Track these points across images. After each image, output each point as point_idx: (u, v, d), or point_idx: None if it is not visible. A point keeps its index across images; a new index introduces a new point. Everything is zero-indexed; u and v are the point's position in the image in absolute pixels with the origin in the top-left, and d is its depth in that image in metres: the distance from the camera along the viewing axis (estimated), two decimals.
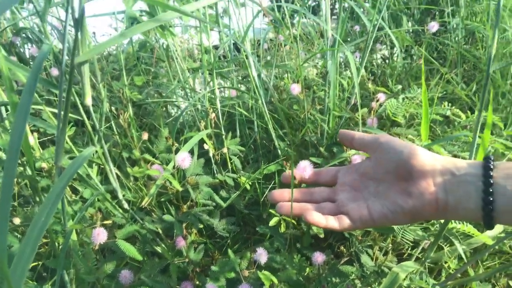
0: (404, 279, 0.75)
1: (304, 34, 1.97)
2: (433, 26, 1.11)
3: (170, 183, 0.75)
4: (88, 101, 0.58)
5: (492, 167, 0.40)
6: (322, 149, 0.99)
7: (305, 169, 0.57)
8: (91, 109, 0.59)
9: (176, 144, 0.74)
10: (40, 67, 0.43)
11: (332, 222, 0.46)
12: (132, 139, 0.86)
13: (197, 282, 0.77)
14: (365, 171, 0.50)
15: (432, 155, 0.44)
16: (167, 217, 0.76)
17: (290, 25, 1.43)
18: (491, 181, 0.39)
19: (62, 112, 0.56)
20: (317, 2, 2.72)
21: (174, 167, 0.73)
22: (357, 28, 1.66)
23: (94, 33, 1.51)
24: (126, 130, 0.78)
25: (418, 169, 0.43)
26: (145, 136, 0.79)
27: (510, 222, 0.41)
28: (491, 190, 0.39)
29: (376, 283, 0.78)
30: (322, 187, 0.54)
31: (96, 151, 0.75)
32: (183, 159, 0.71)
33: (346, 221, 0.46)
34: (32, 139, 0.84)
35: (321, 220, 0.46)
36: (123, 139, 1.09)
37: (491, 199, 0.39)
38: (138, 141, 0.83)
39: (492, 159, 0.41)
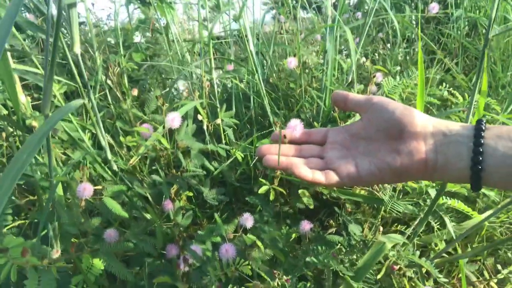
0: (391, 250, 0.75)
1: (306, 30, 1.97)
2: (434, 7, 1.10)
3: (160, 143, 0.74)
4: (77, 49, 0.57)
5: (484, 128, 0.39)
6: (317, 125, 0.98)
7: (295, 127, 0.55)
8: (80, 58, 0.59)
9: (167, 104, 0.73)
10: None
11: (319, 176, 0.46)
12: (123, 94, 0.84)
13: (183, 249, 0.76)
14: (356, 132, 0.49)
15: (425, 116, 0.43)
16: (155, 177, 0.75)
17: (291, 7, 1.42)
18: (482, 141, 0.38)
19: (49, 59, 0.56)
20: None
21: (163, 128, 0.73)
22: (358, 15, 1.65)
23: (93, 4, 1.50)
24: (116, 85, 0.77)
25: (409, 129, 0.42)
26: (135, 92, 0.78)
27: (497, 184, 0.41)
28: (481, 150, 0.38)
29: (363, 254, 0.77)
30: (311, 145, 0.53)
31: (87, 113, 0.74)
32: (173, 118, 0.71)
33: (333, 177, 0.46)
34: (24, 98, 0.83)
35: (308, 173, 0.46)
36: (117, 109, 1.08)
37: (480, 158, 0.38)
38: (128, 95, 0.82)
39: (484, 121, 0.40)
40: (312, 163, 0.49)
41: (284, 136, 0.54)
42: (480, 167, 0.38)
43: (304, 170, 0.46)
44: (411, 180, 0.47)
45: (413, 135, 0.42)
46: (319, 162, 0.49)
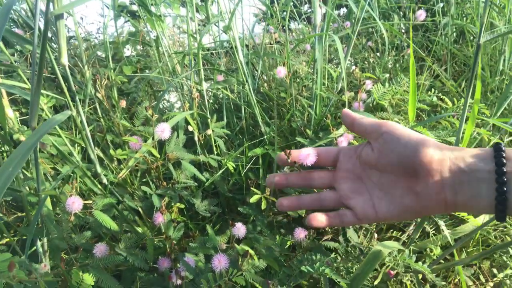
0: (388, 256, 0.74)
1: (296, 40, 1.99)
2: (421, 14, 1.11)
3: (152, 155, 0.74)
4: (64, 60, 0.57)
5: (504, 161, 0.37)
6: (309, 132, 0.98)
7: (308, 156, 0.53)
8: (68, 69, 0.58)
9: (156, 115, 0.73)
10: (11, 6, 0.43)
11: (335, 221, 0.45)
12: (112, 107, 0.84)
13: (176, 262, 0.75)
14: (367, 159, 0.46)
15: (439, 149, 0.40)
16: (144, 188, 0.74)
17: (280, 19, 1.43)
18: (505, 179, 0.36)
19: (36, 70, 0.55)
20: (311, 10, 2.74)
21: (153, 139, 0.72)
22: (347, 24, 1.67)
23: (82, 18, 1.50)
24: (103, 98, 0.76)
25: (425, 166, 0.39)
26: (123, 103, 0.78)
27: None
28: (505, 189, 0.36)
29: (358, 262, 0.76)
30: (321, 171, 0.51)
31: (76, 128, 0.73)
32: (163, 130, 0.70)
33: (349, 218, 0.45)
34: (11, 112, 0.82)
35: (323, 222, 0.45)
36: (107, 122, 1.07)
37: (505, 197, 0.36)
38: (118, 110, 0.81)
39: (503, 149, 0.37)
40: (325, 200, 0.48)
41: (295, 163, 0.52)
42: (505, 206, 0.36)
43: (320, 218, 0.46)
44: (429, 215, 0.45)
45: (430, 174, 0.39)
46: (333, 197, 0.47)
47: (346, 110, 0.49)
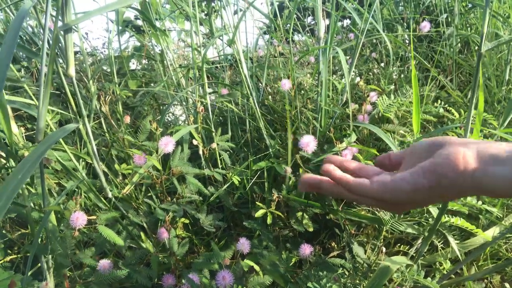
0: (395, 271, 0.72)
1: (299, 52, 1.99)
2: (425, 26, 1.11)
3: (156, 169, 0.73)
4: (72, 71, 0.57)
5: None
6: None
7: (308, 144, 0.51)
8: (75, 81, 0.58)
9: (160, 129, 0.72)
10: (22, 20, 0.43)
11: (347, 176, 0.42)
12: (117, 121, 0.83)
13: (180, 278, 0.74)
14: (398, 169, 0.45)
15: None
16: (149, 201, 0.73)
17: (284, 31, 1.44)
18: None
19: (43, 83, 0.55)
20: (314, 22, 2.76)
21: (157, 152, 0.72)
22: (351, 35, 1.67)
23: (87, 33, 1.52)
24: (107, 113, 0.76)
25: (449, 140, 0.39)
26: (127, 119, 0.78)
27: None
28: None
29: (366, 278, 0.75)
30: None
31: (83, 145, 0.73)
32: (166, 143, 0.70)
33: (363, 181, 0.41)
34: (16, 128, 0.83)
35: (336, 171, 0.43)
36: (112, 136, 1.07)
37: None
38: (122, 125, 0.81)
39: None
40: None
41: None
42: None
43: (332, 167, 0.43)
44: (448, 190, 0.41)
45: (453, 144, 0.39)
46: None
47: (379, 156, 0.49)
